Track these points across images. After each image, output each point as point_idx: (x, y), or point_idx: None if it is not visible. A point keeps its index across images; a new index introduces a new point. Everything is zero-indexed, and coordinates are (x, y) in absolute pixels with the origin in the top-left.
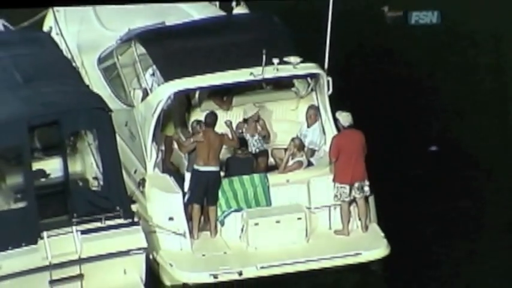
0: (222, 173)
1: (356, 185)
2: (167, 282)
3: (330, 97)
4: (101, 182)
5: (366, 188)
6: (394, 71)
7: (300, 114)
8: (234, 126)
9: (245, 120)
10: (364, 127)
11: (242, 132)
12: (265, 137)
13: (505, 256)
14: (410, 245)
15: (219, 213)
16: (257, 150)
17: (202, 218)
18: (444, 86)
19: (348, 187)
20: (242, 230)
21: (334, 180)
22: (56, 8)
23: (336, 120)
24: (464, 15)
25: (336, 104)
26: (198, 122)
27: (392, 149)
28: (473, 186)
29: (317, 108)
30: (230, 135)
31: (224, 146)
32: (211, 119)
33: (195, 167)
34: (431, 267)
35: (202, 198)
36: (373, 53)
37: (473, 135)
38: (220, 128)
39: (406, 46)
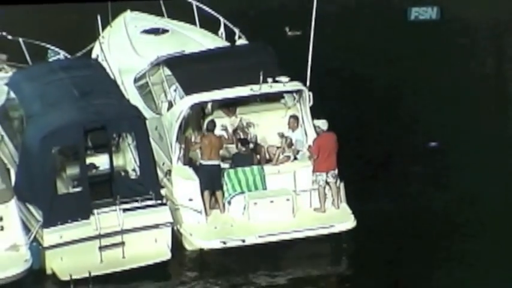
0: (222, 165)
1: (330, 173)
2: (188, 248)
3: (311, 107)
4: (138, 173)
5: (336, 175)
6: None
7: (289, 121)
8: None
9: (234, 130)
10: (362, 126)
11: (246, 134)
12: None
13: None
14: (374, 222)
15: (226, 195)
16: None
17: (213, 199)
18: (443, 83)
19: (324, 175)
20: (244, 208)
21: (313, 170)
22: (100, 40)
23: (314, 125)
24: (464, 10)
25: (320, 110)
26: (209, 124)
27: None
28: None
29: (296, 117)
30: (226, 136)
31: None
32: (211, 125)
33: (201, 161)
34: (393, 236)
35: (209, 184)
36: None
37: (471, 131)
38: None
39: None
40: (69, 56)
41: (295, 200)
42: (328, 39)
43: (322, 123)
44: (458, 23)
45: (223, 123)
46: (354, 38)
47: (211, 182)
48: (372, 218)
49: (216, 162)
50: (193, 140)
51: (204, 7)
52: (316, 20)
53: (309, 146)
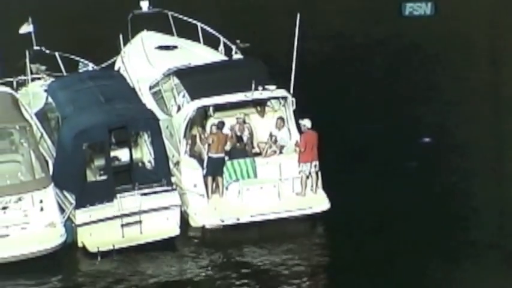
0: (226, 158)
1: (313, 163)
2: (193, 225)
3: (294, 111)
4: (152, 164)
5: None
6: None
7: (274, 121)
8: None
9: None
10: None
11: (241, 132)
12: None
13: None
14: (348, 205)
15: (224, 182)
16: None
17: (214, 185)
18: (439, 79)
19: (308, 165)
20: (239, 192)
21: (299, 161)
22: (122, 54)
23: (298, 124)
24: (458, 7)
25: (307, 111)
26: (213, 125)
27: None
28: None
29: (282, 118)
30: (230, 135)
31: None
32: (221, 125)
33: (210, 154)
34: (363, 220)
35: (213, 173)
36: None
37: (466, 127)
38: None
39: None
40: (96, 68)
41: (280, 186)
42: (323, 34)
43: (307, 122)
44: (453, 18)
45: (229, 124)
46: (346, 33)
47: (215, 171)
48: (347, 203)
49: (221, 155)
50: (203, 136)
51: (207, 28)
52: (311, 18)
53: (296, 142)
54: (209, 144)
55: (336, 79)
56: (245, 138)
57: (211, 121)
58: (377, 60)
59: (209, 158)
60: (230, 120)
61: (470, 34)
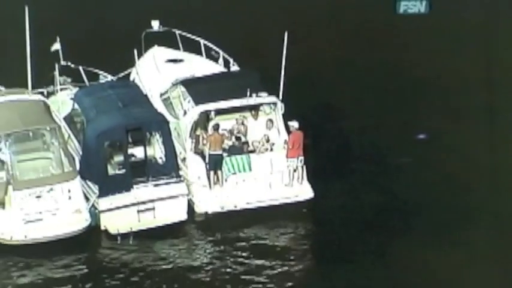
0: (225, 154)
1: (299, 158)
2: (197, 211)
3: (283, 114)
4: (164, 159)
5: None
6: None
7: (266, 123)
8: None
9: (230, 130)
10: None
11: (239, 133)
12: (240, 138)
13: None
14: (335, 195)
15: (224, 175)
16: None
17: (215, 178)
18: (432, 76)
19: (295, 160)
20: (236, 183)
21: (287, 156)
22: (136, 66)
23: (286, 125)
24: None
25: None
26: (213, 126)
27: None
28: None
29: (272, 121)
30: (226, 135)
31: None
32: (216, 127)
33: (209, 152)
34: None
35: (214, 167)
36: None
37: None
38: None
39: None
40: (114, 78)
41: (271, 178)
42: (317, 32)
43: (295, 123)
44: (447, 16)
45: (224, 125)
46: (342, 31)
47: (215, 165)
48: (333, 192)
49: (219, 152)
50: (205, 136)
51: (209, 44)
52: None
53: (285, 141)
54: (210, 144)
55: (328, 77)
56: (242, 138)
57: (212, 124)
58: (371, 58)
59: (209, 155)
60: (229, 122)
61: (464, 32)
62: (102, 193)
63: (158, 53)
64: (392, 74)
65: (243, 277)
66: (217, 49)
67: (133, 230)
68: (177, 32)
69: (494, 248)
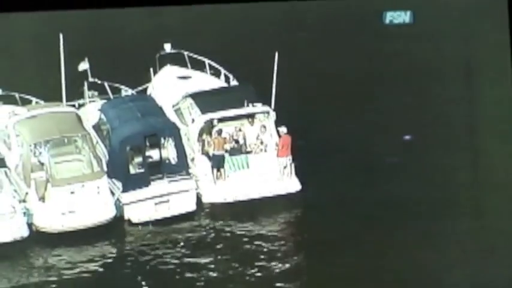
0: (226, 155)
1: (288, 157)
2: (204, 201)
3: (276, 121)
4: (176, 160)
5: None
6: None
7: (260, 128)
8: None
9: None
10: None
11: (238, 137)
12: (239, 142)
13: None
14: (324, 187)
15: (226, 172)
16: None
17: (218, 174)
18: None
19: (285, 159)
20: (236, 179)
21: (278, 155)
22: (152, 82)
23: (277, 130)
24: (437, 14)
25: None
26: (216, 131)
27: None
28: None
29: (265, 127)
30: (227, 138)
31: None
32: (219, 131)
33: (214, 152)
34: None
35: (217, 165)
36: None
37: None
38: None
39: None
40: (133, 92)
41: (266, 174)
42: (306, 42)
43: (284, 128)
44: (431, 26)
45: (226, 131)
46: (330, 41)
47: (218, 164)
48: (321, 188)
49: (222, 153)
50: (209, 140)
51: (212, 63)
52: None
53: (276, 143)
54: (214, 146)
55: (317, 84)
56: (241, 141)
57: (215, 129)
58: (358, 67)
59: (213, 155)
60: (229, 128)
61: (448, 42)
62: (125, 189)
63: (170, 71)
64: (379, 82)
65: (242, 259)
66: (219, 67)
67: (152, 219)
68: (186, 53)
69: (485, 243)
